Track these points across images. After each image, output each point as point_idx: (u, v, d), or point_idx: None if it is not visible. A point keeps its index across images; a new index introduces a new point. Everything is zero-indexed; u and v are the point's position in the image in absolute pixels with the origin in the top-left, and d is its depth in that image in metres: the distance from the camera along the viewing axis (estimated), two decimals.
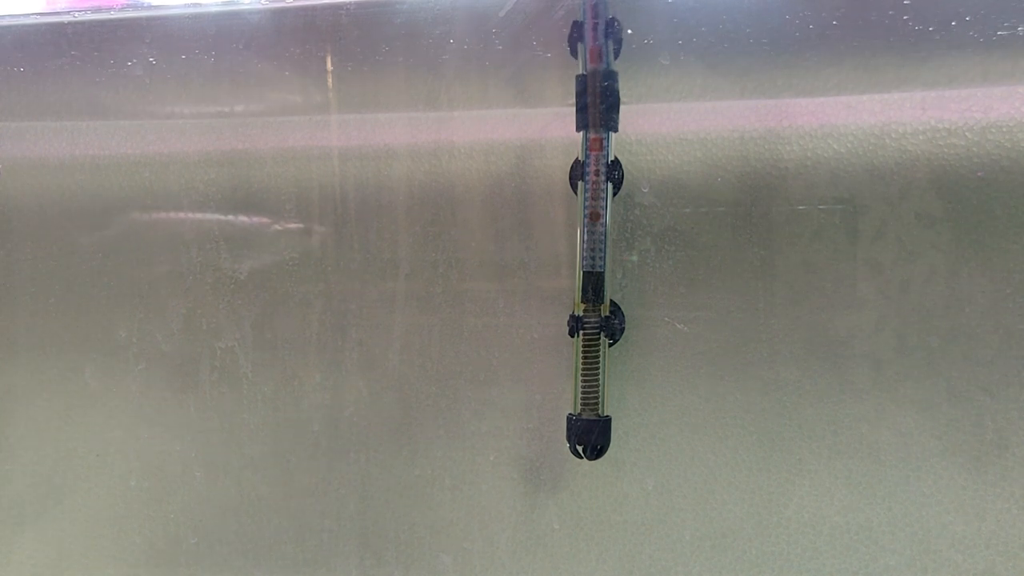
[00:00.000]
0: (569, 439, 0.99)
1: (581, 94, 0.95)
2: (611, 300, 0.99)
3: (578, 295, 0.98)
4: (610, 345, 0.99)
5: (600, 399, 0.99)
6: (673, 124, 1.01)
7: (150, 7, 1.07)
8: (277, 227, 1.09)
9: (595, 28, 0.94)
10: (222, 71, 1.09)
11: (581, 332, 0.98)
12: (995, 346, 0.95)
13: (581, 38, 0.96)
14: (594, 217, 0.96)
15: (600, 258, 0.97)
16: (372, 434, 1.10)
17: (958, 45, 0.93)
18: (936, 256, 0.96)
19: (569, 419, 0.99)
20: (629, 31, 0.97)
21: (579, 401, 0.99)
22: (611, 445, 1.00)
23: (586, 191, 0.96)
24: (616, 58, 0.96)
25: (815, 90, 0.97)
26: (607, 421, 0.99)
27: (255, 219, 1.10)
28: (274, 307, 1.10)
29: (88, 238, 1.14)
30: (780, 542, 1.01)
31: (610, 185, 0.97)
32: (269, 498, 1.13)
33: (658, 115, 1.01)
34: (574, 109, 0.96)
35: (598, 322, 0.98)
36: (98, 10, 1.07)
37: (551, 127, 1.01)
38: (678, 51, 0.99)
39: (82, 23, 1.09)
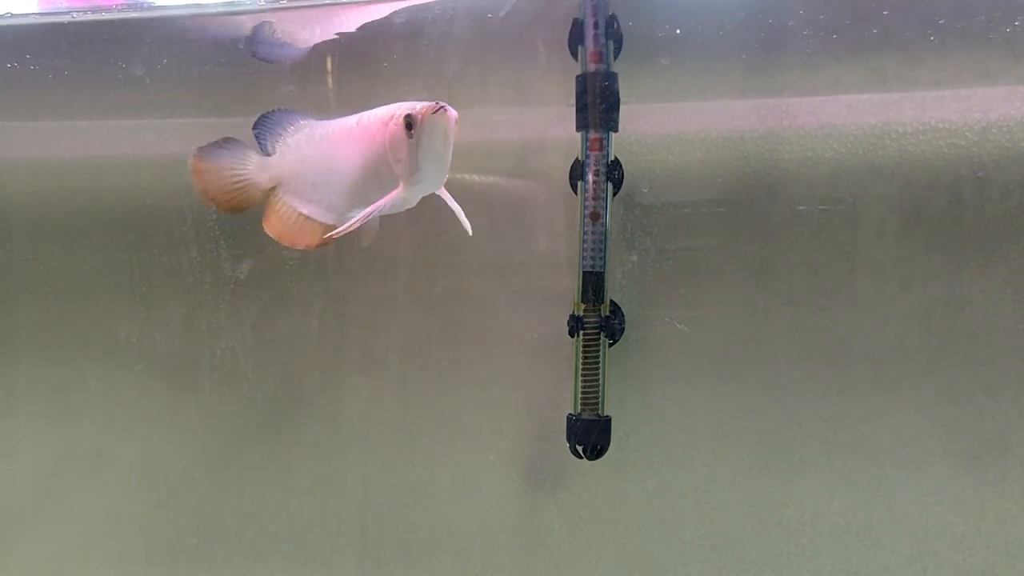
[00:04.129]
0: (569, 439, 0.99)
1: (581, 94, 0.95)
2: (611, 300, 0.99)
3: (578, 295, 0.98)
4: (610, 345, 0.99)
5: (600, 399, 0.99)
6: (673, 124, 1.00)
7: (150, 7, 1.07)
8: None
9: (595, 28, 0.94)
10: (222, 71, 1.09)
11: (581, 332, 0.98)
12: (995, 346, 0.95)
13: (581, 38, 0.95)
14: (594, 217, 0.96)
15: (600, 258, 0.97)
16: (372, 434, 1.10)
17: (958, 45, 0.93)
18: (936, 256, 0.96)
19: (569, 419, 0.99)
20: (631, 23, 0.96)
21: (579, 401, 0.99)
22: (611, 445, 1.00)
23: (586, 191, 0.96)
24: (616, 58, 0.96)
25: (815, 90, 0.97)
26: (607, 421, 0.99)
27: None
28: (274, 307, 1.10)
29: (88, 238, 1.14)
30: (780, 542, 1.01)
31: (610, 185, 0.96)
32: (269, 498, 1.13)
33: (658, 115, 1.01)
34: (574, 109, 0.96)
35: (598, 322, 0.98)
36: (97, 10, 1.07)
37: (551, 127, 1.01)
38: (678, 51, 0.99)
39: (82, 23, 1.09)
